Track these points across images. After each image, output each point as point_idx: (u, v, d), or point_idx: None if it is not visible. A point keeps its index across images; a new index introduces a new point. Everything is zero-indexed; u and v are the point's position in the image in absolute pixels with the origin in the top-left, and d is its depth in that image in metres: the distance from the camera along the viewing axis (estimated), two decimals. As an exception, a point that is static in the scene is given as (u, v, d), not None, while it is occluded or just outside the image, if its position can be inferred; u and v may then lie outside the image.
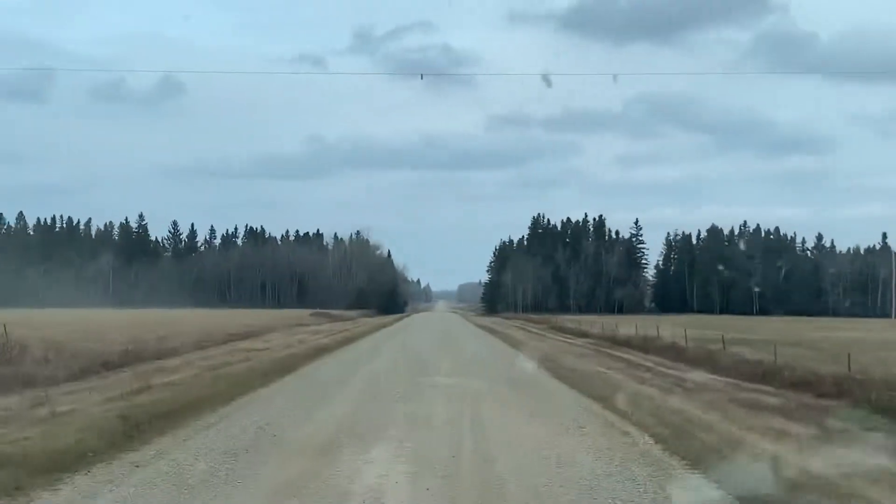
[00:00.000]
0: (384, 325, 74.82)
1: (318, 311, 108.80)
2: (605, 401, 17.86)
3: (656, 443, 12.86)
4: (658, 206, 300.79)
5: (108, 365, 28.34)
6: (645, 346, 44.34)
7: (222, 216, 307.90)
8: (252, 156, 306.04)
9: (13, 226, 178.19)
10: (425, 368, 27.01)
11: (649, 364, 31.86)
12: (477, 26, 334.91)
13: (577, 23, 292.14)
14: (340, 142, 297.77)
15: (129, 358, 30.64)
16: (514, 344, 43.75)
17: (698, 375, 26.72)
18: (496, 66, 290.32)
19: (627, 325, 61.05)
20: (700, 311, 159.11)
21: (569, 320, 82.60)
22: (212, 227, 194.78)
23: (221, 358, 31.32)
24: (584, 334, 61.07)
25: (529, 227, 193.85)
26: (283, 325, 65.76)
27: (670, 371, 28.72)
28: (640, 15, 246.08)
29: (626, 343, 47.79)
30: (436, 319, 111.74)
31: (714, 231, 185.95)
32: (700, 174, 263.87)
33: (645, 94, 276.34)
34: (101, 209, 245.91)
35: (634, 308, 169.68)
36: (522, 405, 17.68)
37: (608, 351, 41.20)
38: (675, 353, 37.14)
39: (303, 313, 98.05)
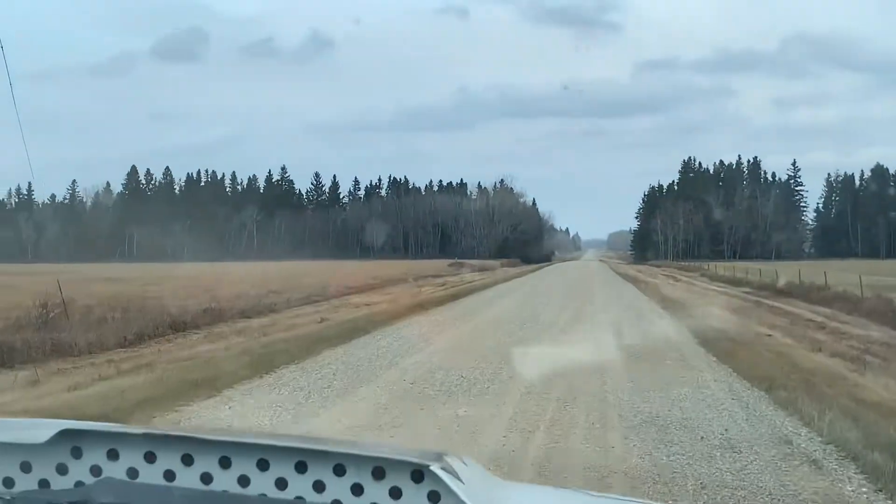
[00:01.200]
0: (518, 275, 69.62)
1: (457, 261, 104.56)
2: (772, 387, 12.34)
3: (877, 489, 7.37)
4: (816, 149, 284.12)
5: (179, 326, 24.76)
6: (810, 295, 38.48)
7: (368, 170, 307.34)
8: (398, 109, 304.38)
9: (161, 181, 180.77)
10: (527, 332, 21.49)
11: (819, 319, 26.10)
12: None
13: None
14: (486, 92, 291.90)
15: (208, 317, 27.02)
16: (655, 295, 38.08)
17: (886, 334, 21.03)
18: (644, 10, 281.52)
19: (788, 272, 54.76)
20: (865, 256, 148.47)
21: (722, 267, 75.90)
22: (355, 178, 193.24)
23: (310, 316, 27.32)
24: (738, 282, 55.06)
25: (680, 171, 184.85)
26: (414, 276, 61.83)
27: (849, 328, 23.09)
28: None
29: (789, 293, 41.83)
30: (578, 268, 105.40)
31: (879, 171, 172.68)
32: (860, 114, 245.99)
33: (801, 33, 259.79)
34: (251, 165, 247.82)
35: (793, 254, 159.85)
36: (643, 401, 11.90)
37: (768, 302, 35.48)
38: (848, 304, 31.25)
39: (441, 263, 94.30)
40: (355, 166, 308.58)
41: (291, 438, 1.92)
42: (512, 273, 77.76)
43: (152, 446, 1.95)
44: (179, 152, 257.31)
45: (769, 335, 20.41)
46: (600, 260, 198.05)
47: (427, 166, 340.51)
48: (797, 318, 26.78)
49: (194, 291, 39.04)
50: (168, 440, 1.95)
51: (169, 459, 1.94)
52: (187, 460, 1.92)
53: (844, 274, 55.56)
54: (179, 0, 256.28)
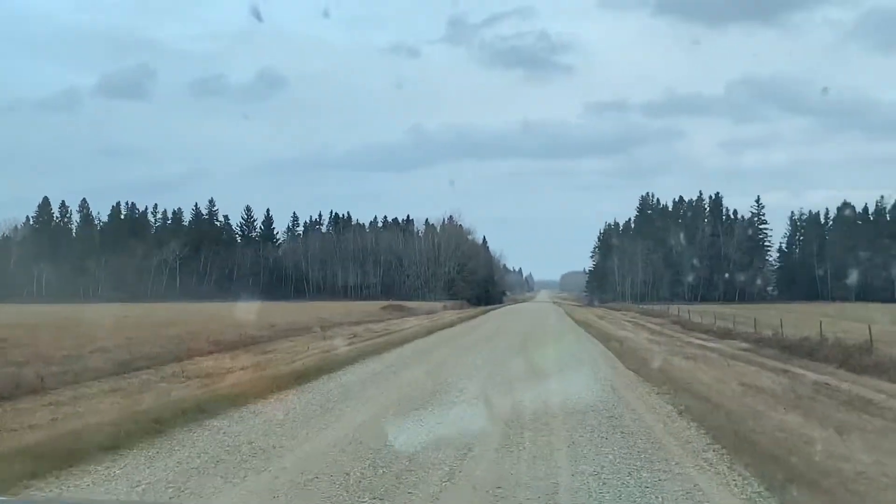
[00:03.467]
0: (455, 322, 57.02)
1: (393, 303, 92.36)
2: None
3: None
4: (767, 190, 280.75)
5: None
6: (846, 359, 27.33)
7: (314, 209, 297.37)
8: (349, 148, 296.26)
9: (77, 216, 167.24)
10: (417, 448, 10.80)
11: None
12: (574, 12, 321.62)
13: (672, 6, 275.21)
14: (439, 132, 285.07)
15: None
16: (631, 357, 25.92)
17: None
18: (594, 53, 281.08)
19: (770, 319, 44.82)
20: (834, 300, 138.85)
21: (693, 311, 64.80)
22: (294, 213, 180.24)
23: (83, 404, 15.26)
24: (725, 334, 43.85)
25: (637, 209, 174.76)
26: (328, 324, 50.16)
27: None
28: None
29: (809, 352, 30.62)
30: (529, 312, 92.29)
31: (846, 209, 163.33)
32: (809, 158, 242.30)
33: (748, 77, 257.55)
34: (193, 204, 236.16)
35: (757, 296, 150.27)
36: None
37: (794, 370, 24.26)
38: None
39: (373, 306, 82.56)
40: (303, 206, 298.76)
41: None
42: (452, 318, 65.71)
43: None
44: (121, 189, 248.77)
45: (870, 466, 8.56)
46: (554, 301, 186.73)
47: (378, 206, 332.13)
48: (873, 408, 15.53)
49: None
50: None
51: None
52: None
53: (839, 321, 45.48)
54: (128, 35, 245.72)
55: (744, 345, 37.08)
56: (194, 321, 48.57)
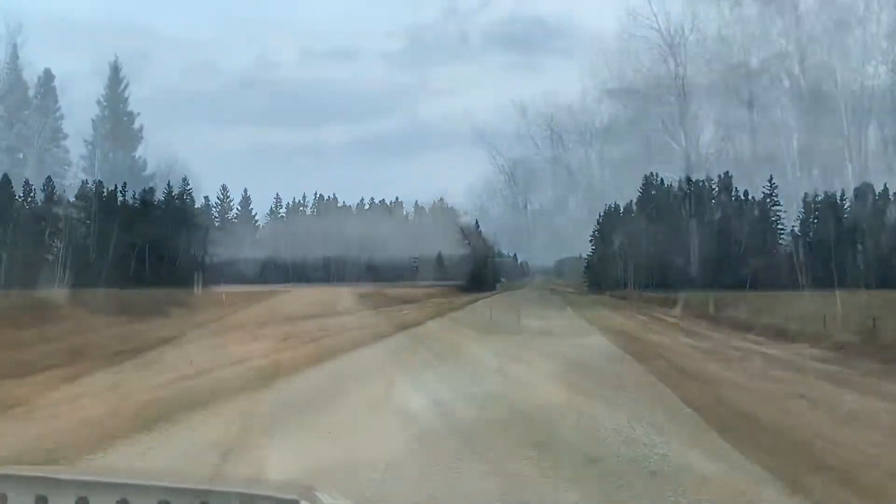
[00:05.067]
0: (426, 319, 45.97)
1: (369, 290, 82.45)
2: None
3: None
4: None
5: None
6: None
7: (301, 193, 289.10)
8: (344, 133, 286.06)
9: (39, 197, 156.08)
10: None
11: None
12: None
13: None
14: (435, 118, 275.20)
15: None
16: (730, 415, 14.16)
17: None
18: (592, 34, 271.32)
19: (815, 310, 35.14)
20: (853, 286, 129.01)
21: (716, 301, 54.39)
22: (277, 195, 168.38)
23: None
24: (780, 335, 33.18)
25: (640, 189, 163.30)
26: (271, 320, 40.77)
27: None
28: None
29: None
30: (524, 304, 78.48)
31: (864, 189, 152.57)
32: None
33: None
34: (170, 181, 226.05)
35: (771, 283, 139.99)
36: None
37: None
38: None
39: (350, 293, 73.76)
40: (291, 191, 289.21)
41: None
42: (430, 311, 55.28)
43: (85, 491, 1.81)
44: (122, 176, 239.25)
45: None
46: (550, 290, 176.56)
47: (368, 191, 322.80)
48: None
49: None
50: (102, 486, 1.86)
51: None
52: None
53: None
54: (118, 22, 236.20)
55: (816, 352, 26.60)
56: (112, 313, 39.38)
